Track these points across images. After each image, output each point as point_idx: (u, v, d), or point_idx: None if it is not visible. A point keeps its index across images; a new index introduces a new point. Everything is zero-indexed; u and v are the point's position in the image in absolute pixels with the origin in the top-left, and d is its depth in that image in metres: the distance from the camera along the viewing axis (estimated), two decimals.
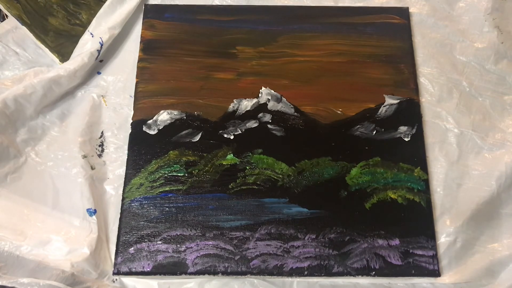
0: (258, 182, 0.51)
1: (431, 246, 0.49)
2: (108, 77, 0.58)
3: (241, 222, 0.49)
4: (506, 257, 0.50)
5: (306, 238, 0.49)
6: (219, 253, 0.48)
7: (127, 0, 0.59)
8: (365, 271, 0.48)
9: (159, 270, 0.47)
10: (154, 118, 0.54)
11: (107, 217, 0.51)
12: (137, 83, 0.56)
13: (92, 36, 0.57)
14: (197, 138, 0.53)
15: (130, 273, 0.47)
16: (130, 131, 0.54)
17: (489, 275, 0.49)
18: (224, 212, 0.50)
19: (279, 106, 0.55)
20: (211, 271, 0.47)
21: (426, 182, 0.52)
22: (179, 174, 0.51)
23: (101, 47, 0.56)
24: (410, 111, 0.55)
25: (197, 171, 0.52)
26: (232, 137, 0.53)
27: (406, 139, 0.53)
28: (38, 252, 0.47)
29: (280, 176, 0.52)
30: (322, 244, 0.49)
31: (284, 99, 0.55)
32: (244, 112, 0.55)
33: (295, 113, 0.55)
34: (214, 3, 0.61)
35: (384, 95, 0.55)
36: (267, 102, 0.55)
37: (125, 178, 0.51)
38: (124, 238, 0.49)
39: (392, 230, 0.49)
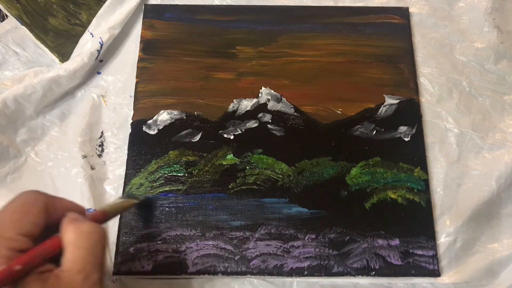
0: (258, 182, 0.51)
1: (431, 246, 0.49)
2: (108, 77, 0.58)
3: (241, 222, 0.49)
4: (506, 257, 0.50)
5: (306, 238, 0.49)
6: (219, 253, 0.48)
7: (127, 0, 0.59)
8: (365, 271, 0.48)
9: (159, 270, 0.47)
10: (154, 118, 0.54)
11: None
12: (137, 83, 0.56)
13: (92, 36, 0.57)
14: (197, 138, 0.53)
15: (130, 273, 0.47)
16: (130, 131, 0.54)
17: (489, 275, 0.49)
18: (224, 212, 0.50)
19: (279, 106, 0.55)
20: (211, 271, 0.47)
21: (426, 182, 0.52)
22: (179, 174, 0.51)
23: (101, 47, 0.56)
24: (410, 111, 0.55)
25: (197, 171, 0.52)
26: (232, 137, 0.53)
27: (406, 139, 0.53)
28: None
29: (280, 176, 0.52)
30: (322, 244, 0.49)
31: (284, 99, 0.55)
32: (244, 112, 0.55)
33: (295, 113, 0.55)
34: (214, 3, 0.61)
35: (384, 95, 0.55)
36: (267, 102, 0.55)
37: (125, 178, 0.51)
38: (124, 238, 0.48)
39: (392, 230, 0.49)
